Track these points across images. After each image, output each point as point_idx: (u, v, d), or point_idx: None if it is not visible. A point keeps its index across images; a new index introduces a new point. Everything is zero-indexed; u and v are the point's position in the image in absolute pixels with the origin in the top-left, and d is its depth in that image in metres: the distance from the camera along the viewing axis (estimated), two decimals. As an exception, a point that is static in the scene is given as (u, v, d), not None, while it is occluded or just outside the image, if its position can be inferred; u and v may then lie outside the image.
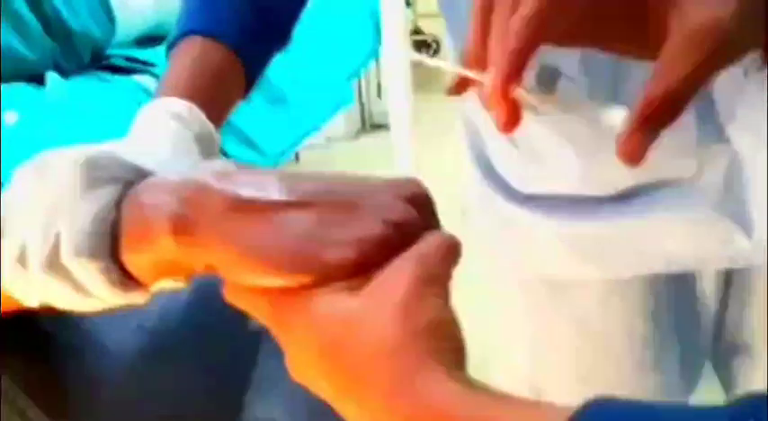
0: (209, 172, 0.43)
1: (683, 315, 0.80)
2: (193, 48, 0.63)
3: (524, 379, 0.86)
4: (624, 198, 0.71)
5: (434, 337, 0.37)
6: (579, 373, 0.82)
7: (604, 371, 0.82)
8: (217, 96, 0.62)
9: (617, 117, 0.44)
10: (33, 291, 0.46)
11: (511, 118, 0.45)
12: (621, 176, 0.69)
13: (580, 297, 0.79)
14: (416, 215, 0.42)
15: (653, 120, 0.43)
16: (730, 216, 0.69)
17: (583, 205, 0.72)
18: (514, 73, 0.44)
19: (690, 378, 0.85)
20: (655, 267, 0.75)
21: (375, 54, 3.33)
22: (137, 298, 0.46)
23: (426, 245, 0.41)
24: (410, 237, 0.41)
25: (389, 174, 0.44)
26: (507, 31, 0.44)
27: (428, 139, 2.50)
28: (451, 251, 0.41)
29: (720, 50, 0.42)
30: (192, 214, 0.42)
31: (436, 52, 4.33)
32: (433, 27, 4.00)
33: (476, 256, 0.76)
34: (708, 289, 0.79)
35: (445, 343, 0.38)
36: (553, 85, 0.46)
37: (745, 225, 0.69)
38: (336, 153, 3.27)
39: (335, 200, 0.42)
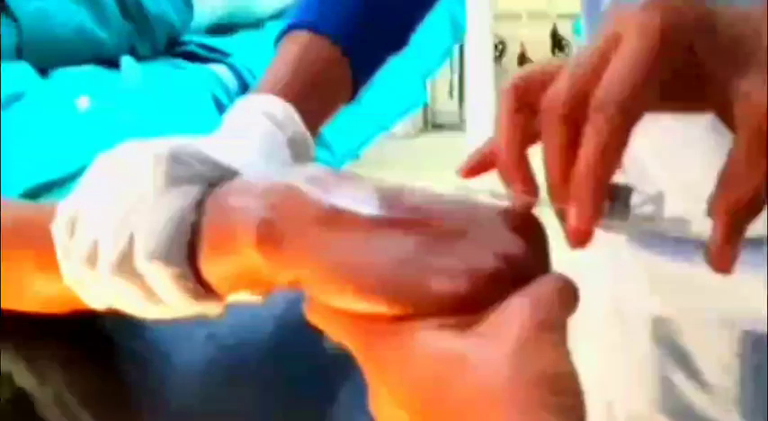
0: (300, 176, 0.40)
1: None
2: (299, 43, 0.60)
3: (593, 388, 0.83)
4: None
5: (550, 389, 0.33)
6: (656, 386, 0.78)
7: (681, 386, 0.77)
8: (318, 98, 0.59)
9: (700, 226, 0.41)
10: (100, 292, 0.43)
11: (586, 239, 0.40)
12: None
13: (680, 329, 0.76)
14: (530, 251, 0.38)
15: (741, 227, 0.39)
16: None
17: (684, 246, 0.68)
18: (598, 210, 0.39)
19: None
20: (737, 321, 0.71)
21: (449, 54, 3.29)
22: (211, 308, 0.43)
23: (543, 287, 0.36)
24: (521, 275, 0.37)
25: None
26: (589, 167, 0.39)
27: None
28: (569, 297, 0.37)
29: None
30: (280, 222, 0.38)
31: (502, 54, 4.27)
32: (500, 28, 3.94)
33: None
34: None
35: (562, 397, 0.33)
36: (627, 202, 0.42)
37: None
38: (396, 150, 3.25)
39: (440, 223, 0.38)
